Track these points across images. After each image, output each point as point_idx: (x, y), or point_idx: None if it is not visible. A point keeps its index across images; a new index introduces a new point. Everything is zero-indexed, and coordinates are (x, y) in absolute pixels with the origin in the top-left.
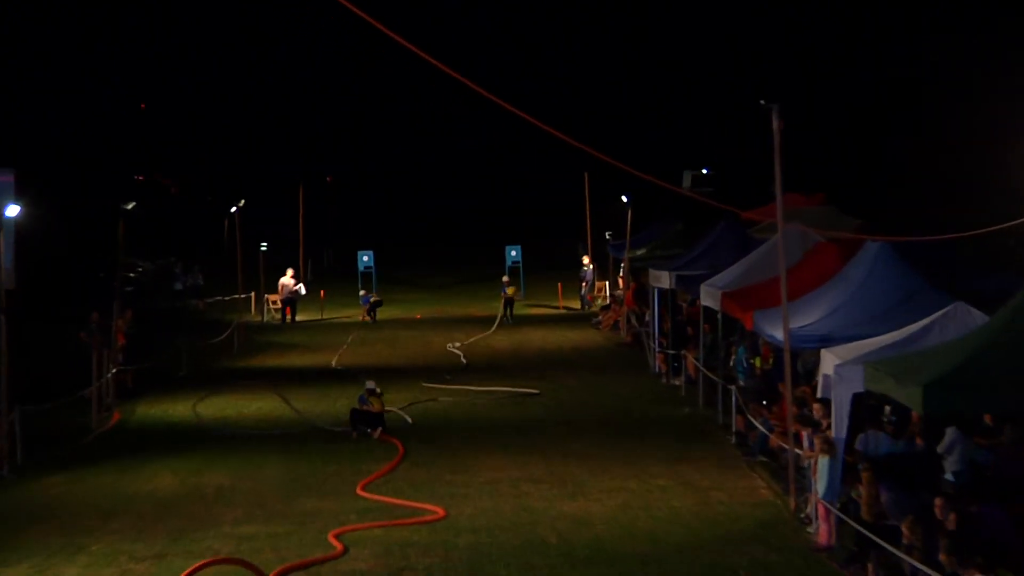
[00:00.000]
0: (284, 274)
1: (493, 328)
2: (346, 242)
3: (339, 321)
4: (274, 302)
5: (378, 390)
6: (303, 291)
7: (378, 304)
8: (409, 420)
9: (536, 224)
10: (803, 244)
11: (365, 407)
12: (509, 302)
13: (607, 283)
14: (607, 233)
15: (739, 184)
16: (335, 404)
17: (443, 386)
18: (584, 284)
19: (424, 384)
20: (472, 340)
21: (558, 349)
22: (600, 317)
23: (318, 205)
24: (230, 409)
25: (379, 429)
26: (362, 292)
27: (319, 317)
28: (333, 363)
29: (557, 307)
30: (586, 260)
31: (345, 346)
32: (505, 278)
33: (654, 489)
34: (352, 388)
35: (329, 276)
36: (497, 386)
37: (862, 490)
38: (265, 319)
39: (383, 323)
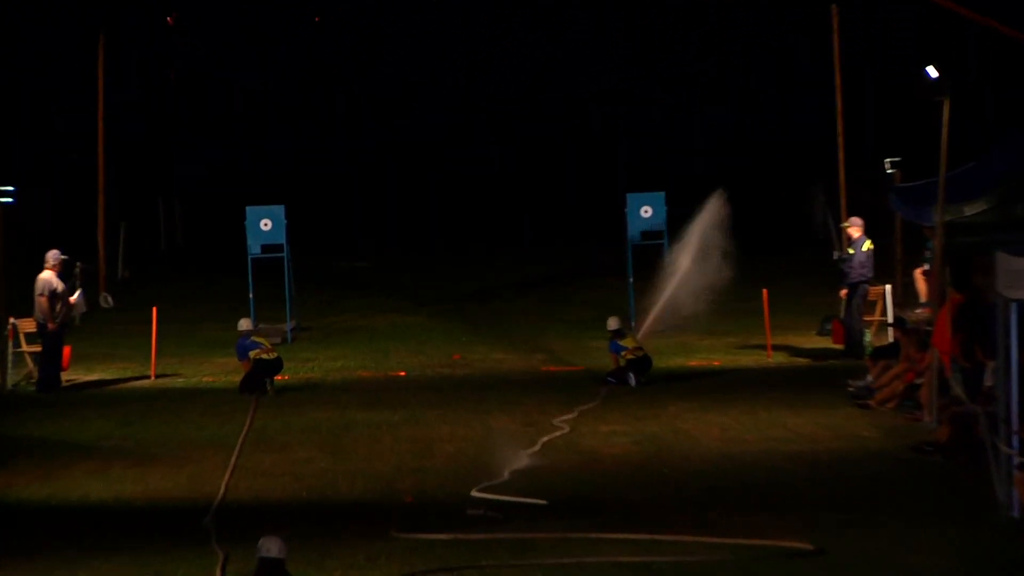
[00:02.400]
0: (43, 267)
1: (598, 399)
2: (215, 186)
3: (190, 386)
4: (33, 335)
5: (283, 558)
6: (85, 305)
7: (274, 367)
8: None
9: (697, 153)
10: None
11: None
12: (639, 363)
13: (886, 289)
14: (886, 162)
15: None
16: None
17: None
18: (844, 293)
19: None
20: (547, 437)
21: (762, 460)
22: (871, 377)
23: (148, 98)
24: None
25: None
26: (243, 326)
27: (144, 375)
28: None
29: (763, 350)
30: (855, 229)
31: (236, 451)
32: (613, 321)
33: None
34: (240, 556)
35: (173, 269)
36: (630, 554)
37: None
38: (11, 382)
39: (315, 389)
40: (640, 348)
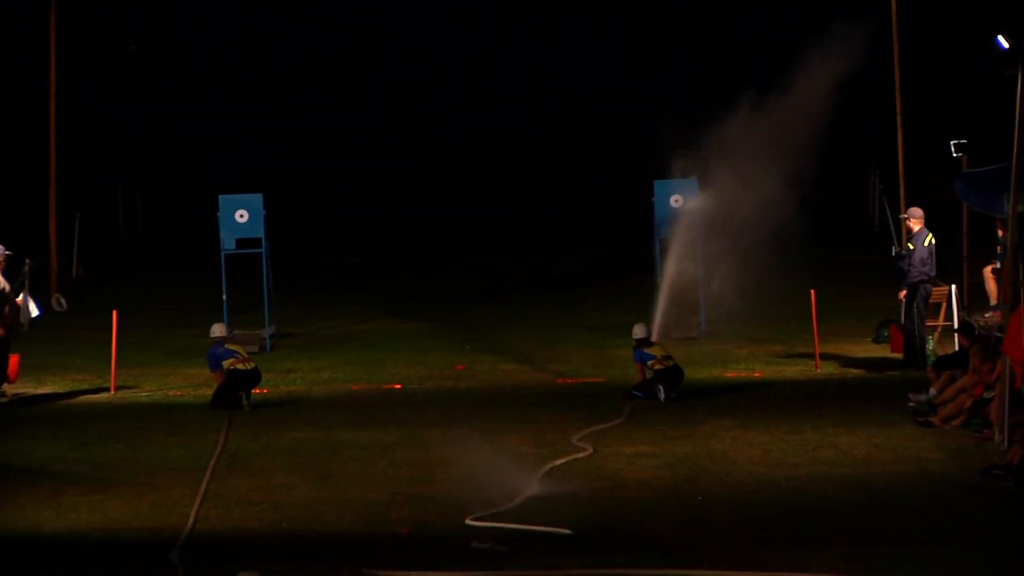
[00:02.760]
0: None
1: (623, 416)
2: (182, 171)
3: (154, 401)
4: None
5: None
6: (34, 310)
7: (250, 379)
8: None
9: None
10: None
11: None
12: (669, 375)
13: (951, 290)
14: (952, 144)
15: None
16: None
17: None
18: (903, 294)
19: None
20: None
21: (809, 486)
22: (934, 391)
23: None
24: None
25: None
26: (215, 331)
27: (102, 387)
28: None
29: (811, 360)
30: (915, 221)
31: (207, 475)
32: (639, 328)
33: None
34: None
35: (135, 266)
36: None
37: None
38: None
39: (298, 405)
40: (669, 358)
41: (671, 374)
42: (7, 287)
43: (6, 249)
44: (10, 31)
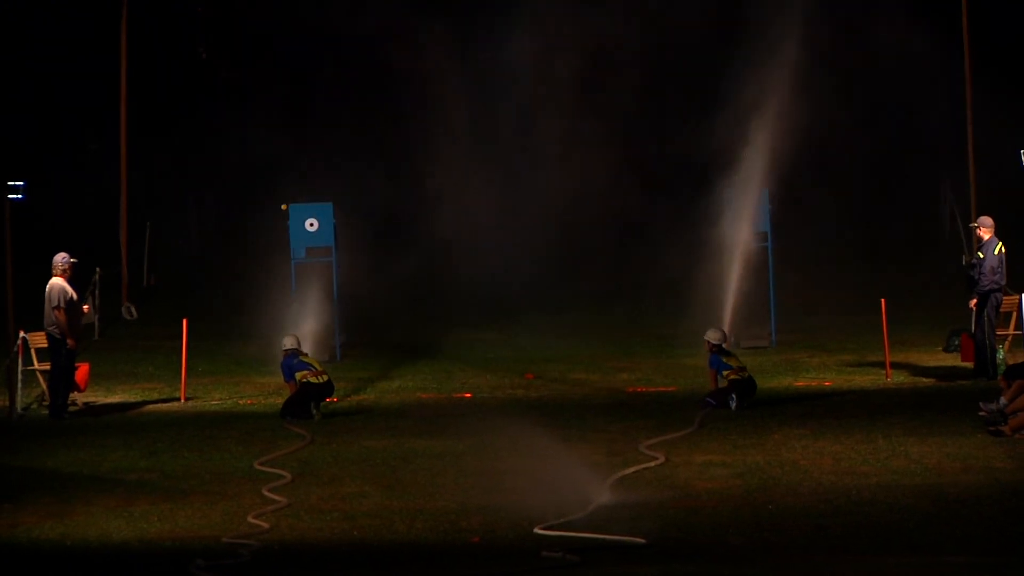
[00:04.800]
0: (52, 271)
1: (694, 425)
2: (254, 178)
3: (224, 410)
4: (44, 351)
5: None
6: (94, 314)
7: (323, 391)
8: None
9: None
10: None
11: None
12: (743, 386)
13: (1022, 298)
14: (1022, 153)
15: None
16: None
17: None
18: (974, 303)
19: None
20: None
21: (880, 496)
22: (1005, 400)
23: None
24: None
25: None
26: (287, 343)
27: (172, 397)
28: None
29: (882, 369)
30: (985, 230)
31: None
32: (713, 333)
33: None
34: None
35: (205, 275)
36: None
37: None
38: (20, 407)
39: (368, 414)
40: (744, 368)
41: (745, 385)
42: (75, 296)
43: (71, 256)
44: (78, 34)
